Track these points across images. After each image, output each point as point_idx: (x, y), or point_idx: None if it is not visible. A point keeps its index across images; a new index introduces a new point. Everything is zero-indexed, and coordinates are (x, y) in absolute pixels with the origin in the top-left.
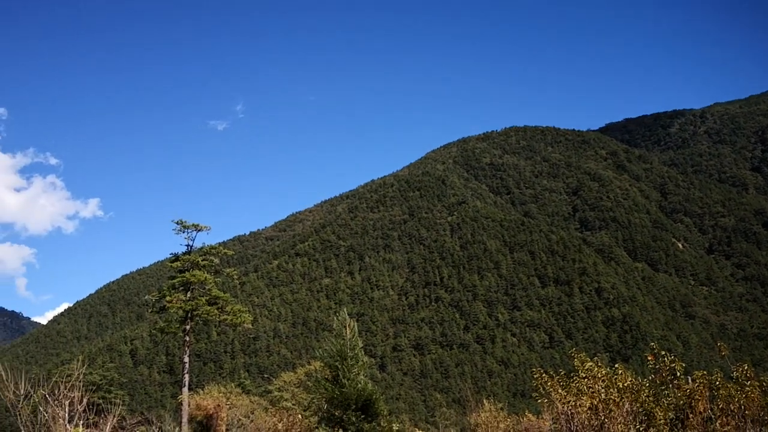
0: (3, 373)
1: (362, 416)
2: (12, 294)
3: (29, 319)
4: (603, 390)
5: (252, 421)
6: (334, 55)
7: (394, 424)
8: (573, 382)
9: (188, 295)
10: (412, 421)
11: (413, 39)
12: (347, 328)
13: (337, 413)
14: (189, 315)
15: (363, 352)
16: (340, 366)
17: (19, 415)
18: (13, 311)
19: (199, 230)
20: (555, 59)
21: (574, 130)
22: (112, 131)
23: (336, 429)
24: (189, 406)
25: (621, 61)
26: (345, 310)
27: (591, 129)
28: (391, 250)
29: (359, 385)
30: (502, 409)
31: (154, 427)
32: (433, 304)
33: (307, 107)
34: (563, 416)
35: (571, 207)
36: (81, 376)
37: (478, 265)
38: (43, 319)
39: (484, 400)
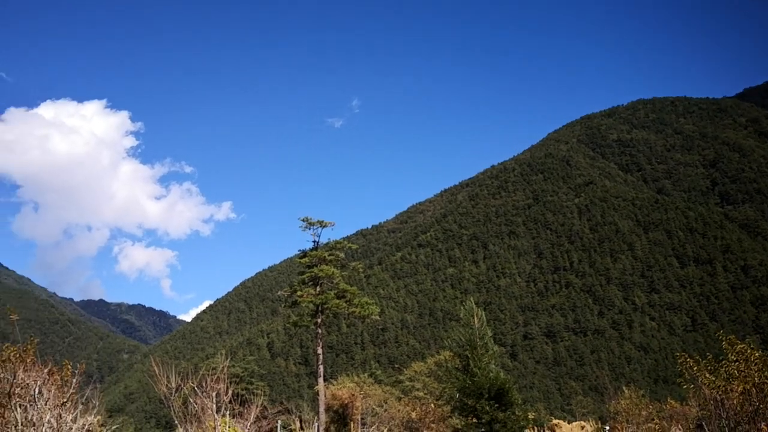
0: (156, 368)
1: (496, 405)
2: (159, 295)
3: (175, 317)
4: (757, 373)
5: (386, 410)
6: (447, 44)
7: (529, 413)
8: (722, 366)
9: (318, 289)
10: (547, 409)
11: (526, 18)
12: (475, 318)
13: (469, 402)
14: (319, 308)
15: (492, 341)
16: (470, 355)
17: (172, 406)
18: (160, 310)
19: (324, 226)
20: (680, 23)
21: (707, 98)
22: (238, 137)
23: (470, 418)
24: (325, 396)
25: (756, 17)
26: (471, 299)
27: (727, 96)
28: (516, 236)
29: (491, 374)
30: (643, 396)
31: (293, 416)
32: (563, 289)
33: (420, 97)
34: (712, 402)
35: (709, 181)
36: (225, 369)
37: (610, 248)
38: (188, 317)
39: (624, 388)
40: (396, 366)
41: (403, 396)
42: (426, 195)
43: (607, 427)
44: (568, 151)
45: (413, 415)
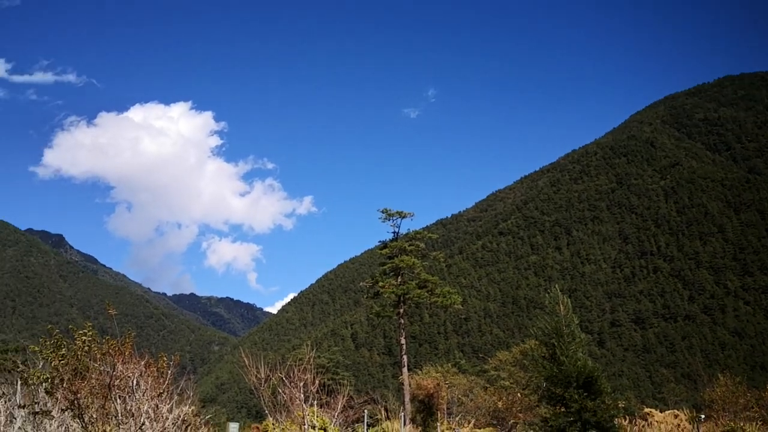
0: (246, 359)
1: (585, 394)
2: (246, 288)
3: (262, 309)
4: None
5: (471, 400)
6: (522, 29)
7: (619, 402)
8: None
9: (399, 279)
10: (637, 398)
11: None
12: (560, 305)
13: (557, 391)
14: (401, 299)
15: (579, 329)
16: (556, 343)
17: (262, 396)
18: (248, 303)
19: (403, 217)
20: None
21: None
22: (316, 132)
23: (558, 407)
24: (410, 385)
25: None
26: (556, 286)
27: None
28: (600, 221)
29: (579, 363)
30: (740, 383)
31: (379, 406)
32: (651, 275)
33: (497, 84)
34: None
35: None
36: (311, 360)
37: (699, 230)
38: (274, 309)
39: (719, 375)
40: (480, 355)
41: (488, 385)
42: (506, 182)
43: (702, 416)
44: (651, 132)
45: (499, 404)
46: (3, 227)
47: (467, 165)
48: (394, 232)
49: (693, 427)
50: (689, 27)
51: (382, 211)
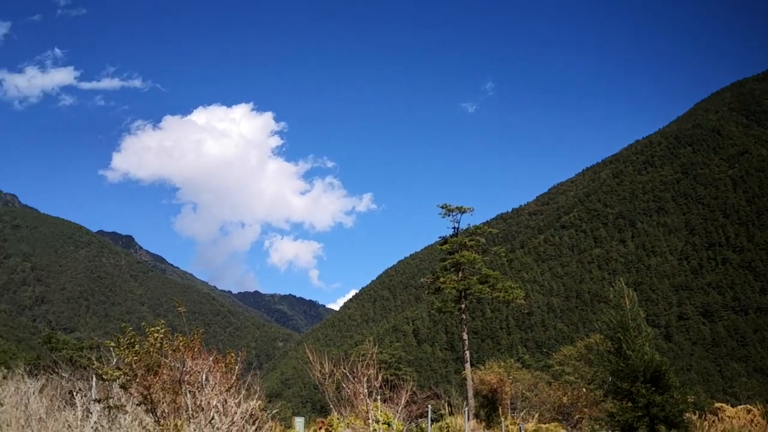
0: (310, 355)
1: (652, 388)
2: (308, 285)
3: (324, 306)
4: None
5: (536, 395)
6: (582, 18)
7: (688, 396)
8: None
9: (460, 275)
10: (707, 393)
11: None
12: (626, 299)
13: (624, 386)
14: (462, 294)
15: (645, 323)
16: (622, 338)
17: (326, 391)
18: (310, 300)
19: (463, 212)
20: None
21: None
22: (374, 129)
23: (625, 402)
24: (473, 380)
25: None
26: (621, 280)
27: None
28: (665, 212)
29: (645, 357)
30: None
31: (442, 401)
32: (719, 266)
33: (557, 75)
34: None
35: None
36: (374, 355)
37: None
38: (335, 306)
39: None
40: (544, 350)
41: (552, 380)
42: (567, 175)
43: None
44: (718, 120)
45: (564, 399)
46: (76, 230)
47: (527, 158)
48: (454, 228)
49: None
50: (757, 9)
51: (442, 207)
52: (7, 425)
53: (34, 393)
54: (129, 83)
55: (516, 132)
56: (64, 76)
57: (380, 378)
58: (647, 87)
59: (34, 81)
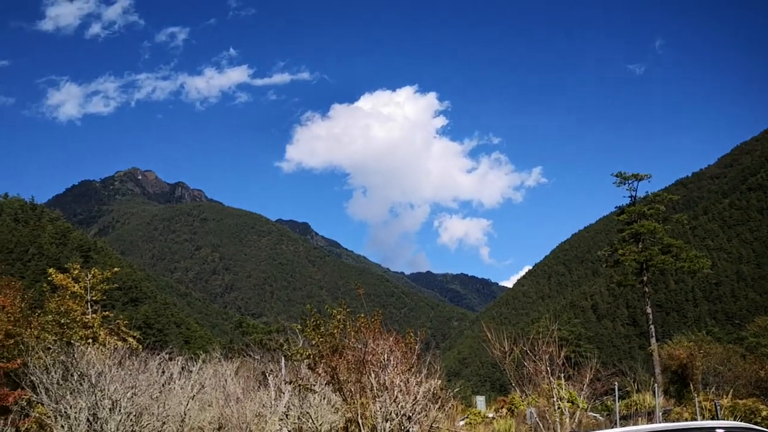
0: (488, 333)
1: None
2: (479, 263)
3: (497, 283)
4: None
5: (729, 369)
6: None
7: None
8: None
9: (640, 246)
10: None
11: None
12: None
13: None
14: (644, 266)
15: None
16: None
17: (506, 369)
18: (483, 278)
19: (640, 180)
20: None
21: None
22: (538, 101)
23: None
24: (660, 356)
25: None
26: None
27: None
28: None
29: None
30: None
31: (627, 378)
32: None
33: (732, 24)
34: None
35: None
36: (554, 333)
37: None
38: (509, 283)
39: None
40: (735, 322)
41: (747, 353)
42: (751, 133)
43: None
44: None
45: (762, 373)
46: (257, 219)
47: (704, 119)
48: (631, 197)
49: None
50: None
51: (617, 175)
52: (209, 405)
53: (230, 375)
54: (298, 76)
55: (690, 91)
56: (239, 74)
57: (562, 355)
58: None
59: (212, 82)
